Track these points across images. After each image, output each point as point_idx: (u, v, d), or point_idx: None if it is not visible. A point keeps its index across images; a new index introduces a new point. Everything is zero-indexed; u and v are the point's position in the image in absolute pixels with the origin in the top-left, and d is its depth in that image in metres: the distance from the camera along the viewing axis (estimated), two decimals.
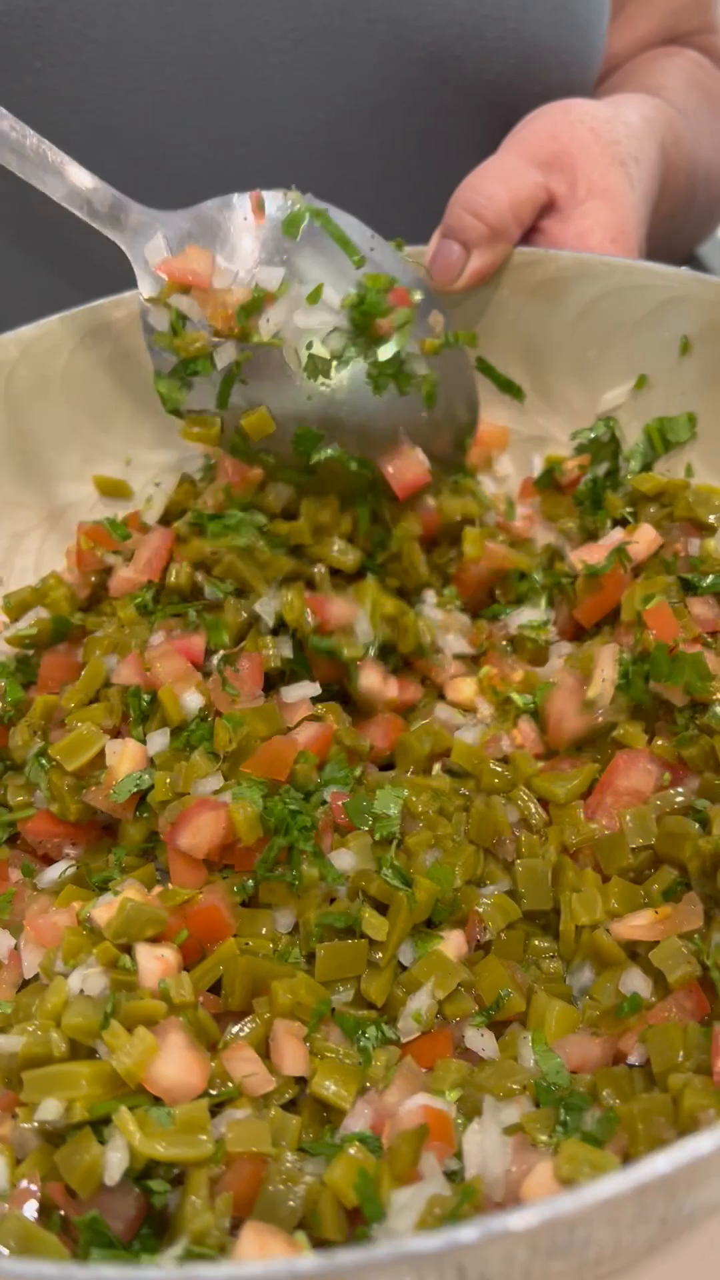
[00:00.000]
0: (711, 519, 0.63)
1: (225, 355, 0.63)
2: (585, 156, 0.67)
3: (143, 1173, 0.42)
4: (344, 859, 0.54)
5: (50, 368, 0.70)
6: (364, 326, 0.63)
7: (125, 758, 0.58)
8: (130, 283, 0.70)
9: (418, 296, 0.65)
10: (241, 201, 0.64)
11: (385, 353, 0.63)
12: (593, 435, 0.70)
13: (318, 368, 0.63)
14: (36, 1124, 0.44)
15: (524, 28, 0.76)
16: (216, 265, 0.63)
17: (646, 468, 0.69)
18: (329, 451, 0.63)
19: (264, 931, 0.52)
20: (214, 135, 0.76)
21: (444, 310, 0.67)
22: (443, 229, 0.68)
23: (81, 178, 0.63)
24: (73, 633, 0.65)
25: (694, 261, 1.06)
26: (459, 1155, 0.44)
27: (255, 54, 0.73)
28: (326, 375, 0.63)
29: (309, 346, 0.62)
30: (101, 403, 0.72)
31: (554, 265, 0.68)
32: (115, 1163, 0.42)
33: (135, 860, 0.57)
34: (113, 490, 0.74)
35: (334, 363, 0.63)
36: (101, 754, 0.59)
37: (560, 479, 0.70)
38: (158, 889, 0.52)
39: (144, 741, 0.59)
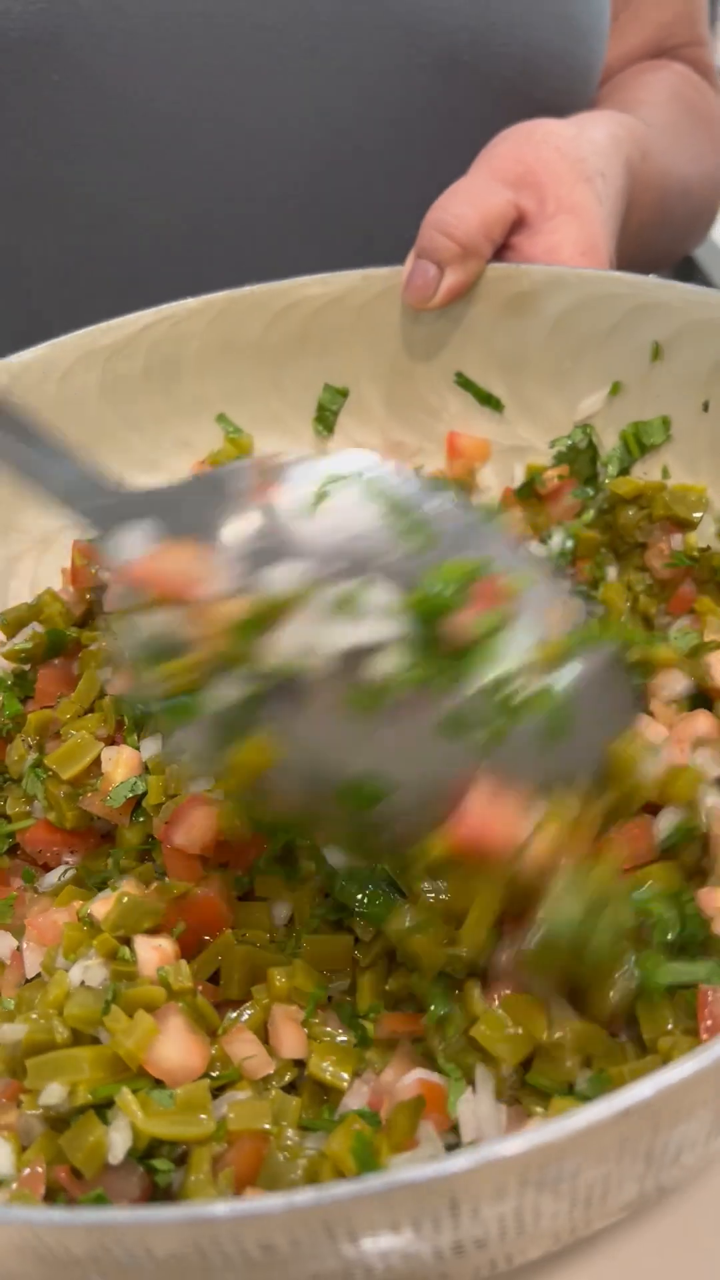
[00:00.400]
0: (692, 515, 0.64)
1: (226, 691, 0.44)
2: (552, 174, 0.69)
3: (146, 1152, 0.43)
4: (337, 856, 0.55)
5: (41, 394, 0.72)
6: (434, 638, 0.43)
7: (120, 764, 0.59)
8: (123, 308, 0.73)
9: (521, 584, 0.45)
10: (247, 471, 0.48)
11: (470, 681, 0.42)
12: (570, 443, 0.72)
13: (365, 701, 0.43)
14: (40, 1110, 0.44)
15: (528, 34, 0.79)
16: (211, 563, 0.45)
17: (624, 472, 0.70)
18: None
19: (261, 923, 0.53)
20: (228, 143, 0.78)
21: (579, 597, 0.48)
22: (416, 250, 0.71)
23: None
24: (68, 646, 0.67)
25: (689, 264, 1.08)
26: (457, 1130, 0.45)
27: (268, 62, 0.76)
28: (377, 707, 0.43)
29: (352, 671, 0.43)
30: (91, 427, 0.74)
31: (526, 279, 0.70)
32: (119, 1142, 0.42)
33: (133, 862, 0.58)
34: None
35: (392, 693, 0.43)
36: (97, 762, 0.60)
37: (540, 489, 0.72)
38: (155, 884, 0.53)
39: (139, 748, 0.60)
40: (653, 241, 0.85)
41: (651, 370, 0.68)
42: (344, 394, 0.77)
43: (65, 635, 0.66)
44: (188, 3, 0.74)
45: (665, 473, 0.69)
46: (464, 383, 0.75)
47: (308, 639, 0.44)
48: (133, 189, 0.77)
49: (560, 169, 0.70)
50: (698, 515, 0.66)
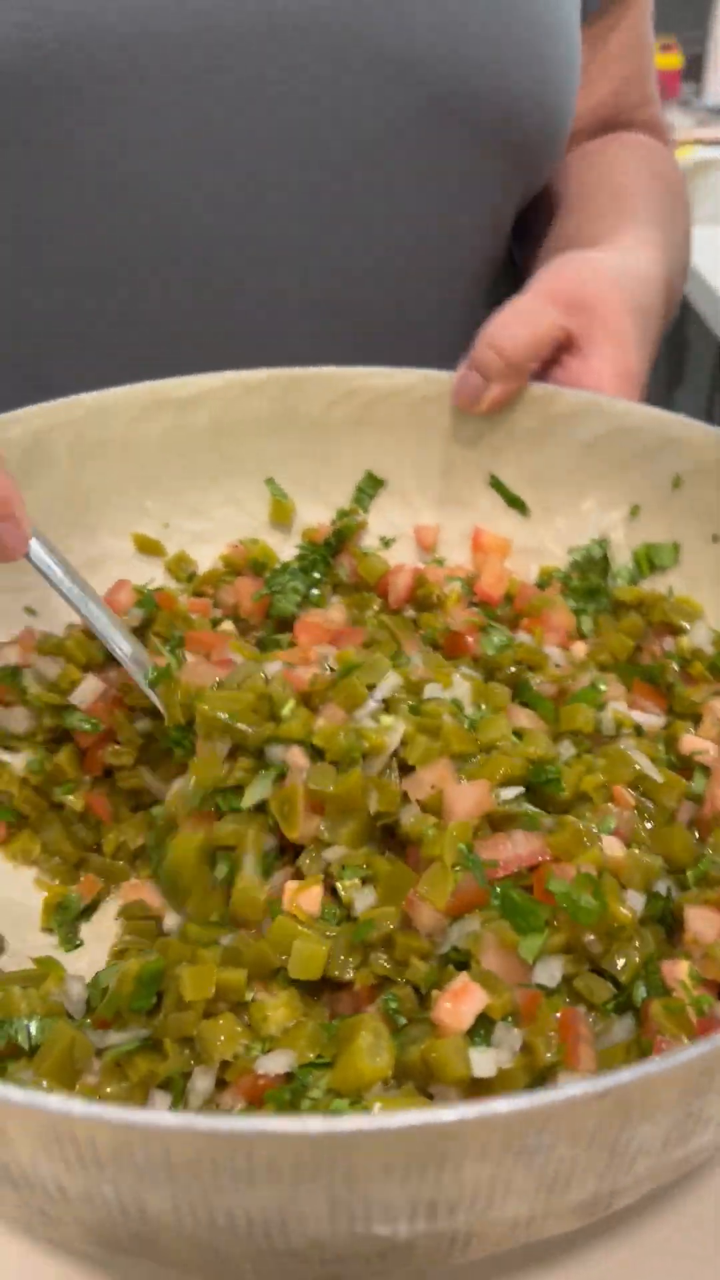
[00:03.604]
0: (684, 624, 0.71)
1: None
2: (604, 305, 0.77)
3: None
4: None
5: (108, 431, 0.78)
6: None
7: None
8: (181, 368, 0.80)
9: None
10: None
11: None
12: (586, 553, 0.78)
13: None
14: None
15: (507, 79, 0.86)
16: None
17: (631, 584, 0.77)
18: None
19: None
20: (228, 182, 0.84)
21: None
22: (470, 361, 0.78)
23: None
24: None
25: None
26: None
27: (264, 109, 0.82)
28: None
29: None
30: (150, 469, 0.80)
31: (566, 402, 0.78)
32: None
33: None
34: (148, 548, 0.81)
35: None
36: None
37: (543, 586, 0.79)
38: None
39: None
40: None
41: (670, 498, 0.75)
42: (381, 484, 0.84)
43: None
44: (196, 55, 0.79)
45: (670, 592, 0.75)
46: (496, 484, 0.81)
47: None
48: (142, 228, 0.82)
49: (612, 300, 0.78)
50: (687, 624, 0.72)
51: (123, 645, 0.67)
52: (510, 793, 0.54)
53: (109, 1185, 0.35)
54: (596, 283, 0.78)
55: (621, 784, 0.58)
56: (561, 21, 0.90)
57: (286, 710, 0.58)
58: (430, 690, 0.59)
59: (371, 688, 0.58)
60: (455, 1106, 0.32)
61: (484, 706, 0.59)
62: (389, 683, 0.59)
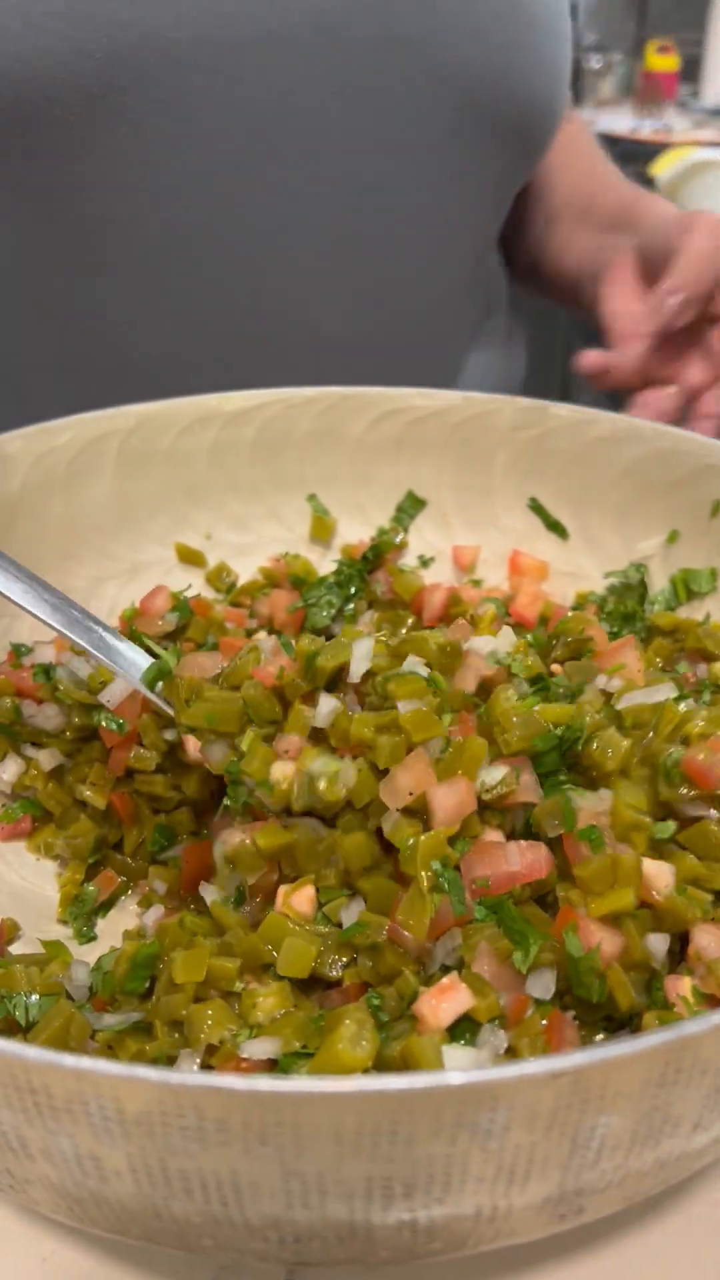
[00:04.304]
0: (718, 651, 0.69)
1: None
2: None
3: None
4: None
5: (158, 442, 0.80)
6: None
7: None
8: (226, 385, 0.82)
9: None
10: None
11: None
12: (624, 578, 0.78)
13: None
14: None
15: (530, 81, 0.94)
16: None
17: (668, 611, 0.76)
18: None
19: None
20: (272, 180, 0.87)
21: None
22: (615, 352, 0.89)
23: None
24: None
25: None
26: None
27: (306, 110, 0.85)
28: None
29: None
30: (195, 480, 0.82)
31: (609, 426, 0.78)
32: None
33: None
34: (190, 558, 0.82)
35: None
36: None
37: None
38: None
39: None
40: None
41: (710, 524, 0.75)
42: (423, 504, 0.85)
43: None
44: (241, 58, 0.81)
45: (707, 619, 0.75)
46: (535, 508, 0.82)
47: None
48: (190, 229, 0.86)
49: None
50: None
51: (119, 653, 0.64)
52: (496, 774, 0.52)
53: (66, 1138, 0.35)
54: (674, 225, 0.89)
55: None
56: (566, 29, 0.98)
57: (245, 744, 0.56)
58: (409, 664, 0.56)
59: (344, 666, 0.57)
60: (405, 1076, 0.32)
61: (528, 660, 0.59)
62: (362, 650, 0.57)
